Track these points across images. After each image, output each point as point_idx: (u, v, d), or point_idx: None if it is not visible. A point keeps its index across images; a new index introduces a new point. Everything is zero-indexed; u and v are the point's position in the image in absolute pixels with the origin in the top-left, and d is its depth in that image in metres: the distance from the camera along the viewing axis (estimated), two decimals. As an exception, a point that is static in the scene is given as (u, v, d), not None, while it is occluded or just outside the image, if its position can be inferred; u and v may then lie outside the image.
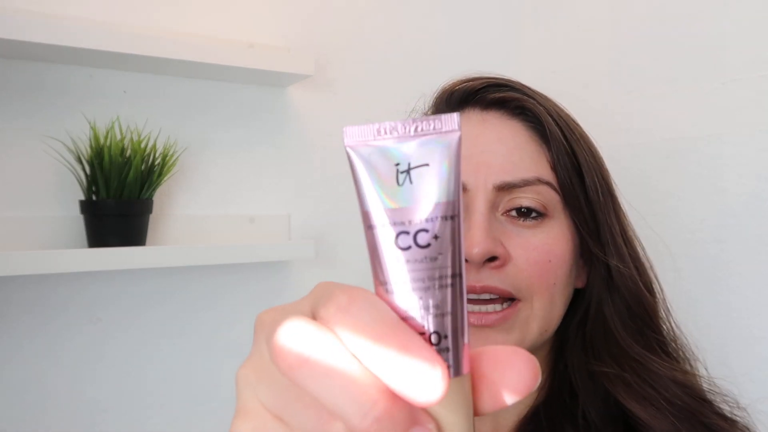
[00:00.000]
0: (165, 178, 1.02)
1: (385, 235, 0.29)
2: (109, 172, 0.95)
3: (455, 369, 0.28)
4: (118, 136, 0.98)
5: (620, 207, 0.63)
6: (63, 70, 1.00)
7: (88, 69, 1.02)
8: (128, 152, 0.97)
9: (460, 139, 0.30)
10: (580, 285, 0.62)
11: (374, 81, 1.29)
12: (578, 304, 0.62)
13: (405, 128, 0.29)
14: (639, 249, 0.64)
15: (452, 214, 0.29)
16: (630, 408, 0.55)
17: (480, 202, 0.56)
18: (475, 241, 0.53)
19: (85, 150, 0.97)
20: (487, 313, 0.54)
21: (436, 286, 0.28)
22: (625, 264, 0.60)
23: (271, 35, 1.18)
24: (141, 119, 1.03)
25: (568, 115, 0.62)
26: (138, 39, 0.96)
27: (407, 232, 0.29)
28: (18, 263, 0.87)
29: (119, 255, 0.94)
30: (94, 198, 0.96)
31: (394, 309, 0.28)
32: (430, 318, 0.28)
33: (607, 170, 0.63)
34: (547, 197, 0.57)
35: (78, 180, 0.97)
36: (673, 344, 0.63)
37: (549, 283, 0.56)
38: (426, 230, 0.29)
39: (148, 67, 1.03)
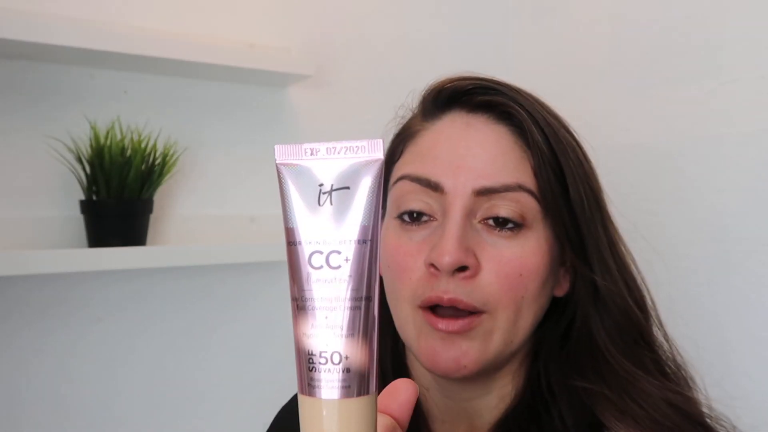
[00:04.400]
0: (165, 178, 1.02)
1: (301, 252, 0.30)
2: (109, 172, 0.95)
3: (357, 389, 0.29)
4: (119, 136, 0.98)
5: (609, 219, 0.61)
6: (64, 70, 1.00)
7: (88, 69, 1.02)
8: (129, 152, 0.98)
9: (382, 165, 0.30)
10: (560, 294, 0.61)
11: (374, 81, 1.28)
12: (561, 315, 0.61)
13: (331, 150, 0.30)
14: (630, 263, 0.62)
15: (367, 239, 0.30)
16: (606, 422, 0.54)
17: (457, 207, 0.55)
18: (447, 250, 0.53)
19: (86, 150, 0.97)
20: (455, 318, 0.54)
21: (344, 308, 0.29)
22: (613, 279, 0.58)
23: (271, 35, 1.18)
24: (141, 119, 1.03)
25: (558, 123, 0.60)
26: (138, 39, 0.96)
27: (321, 252, 0.30)
28: (18, 263, 0.87)
29: (120, 255, 0.94)
30: (94, 198, 0.96)
31: (302, 325, 0.30)
32: (334, 338, 0.29)
33: (597, 181, 0.61)
34: (527, 206, 0.56)
35: (78, 180, 0.97)
36: (671, 364, 0.61)
37: (516, 297, 0.55)
38: (338, 252, 0.30)
39: (149, 67, 1.03)
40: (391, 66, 1.30)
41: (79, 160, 0.96)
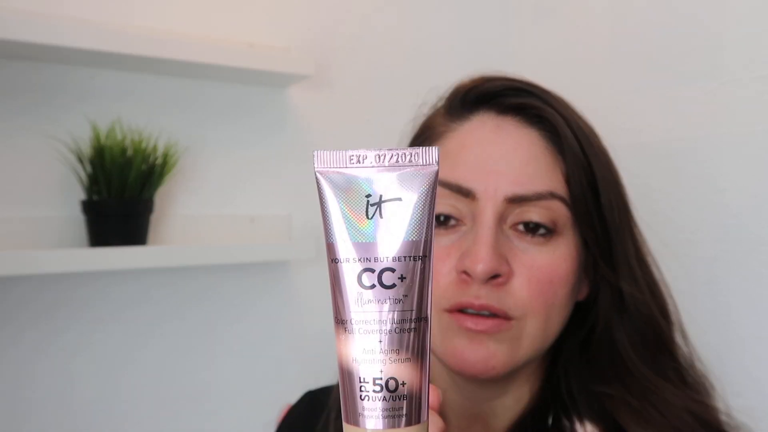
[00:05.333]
0: (166, 178, 1.02)
1: (349, 271, 0.28)
2: (110, 172, 0.95)
3: (409, 418, 0.27)
4: (119, 136, 0.98)
5: (636, 225, 0.61)
6: (64, 70, 1.00)
7: (89, 69, 1.02)
8: (129, 152, 0.98)
9: (437, 175, 0.28)
10: (580, 298, 0.60)
11: (374, 81, 1.29)
12: (581, 319, 0.60)
13: (380, 158, 0.28)
14: (654, 271, 0.61)
15: (422, 255, 0.28)
16: (627, 428, 0.53)
17: (489, 213, 0.53)
18: (481, 258, 0.52)
19: (87, 150, 0.97)
20: (485, 318, 0.53)
21: (398, 330, 0.27)
22: (638, 287, 0.57)
23: (271, 35, 1.18)
24: (142, 119, 1.04)
25: (588, 127, 0.59)
26: (139, 39, 0.96)
27: (372, 270, 0.28)
28: (19, 263, 0.87)
29: (120, 255, 0.94)
30: (95, 198, 0.96)
31: (351, 350, 0.27)
32: (389, 363, 0.27)
33: (623, 187, 0.60)
34: (558, 213, 0.55)
35: (79, 180, 0.97)
36: (692, 372, 0.60)
37: (547, 304, 0.54)
38: (392, 269, 0.27)
39: (149, 67, 1.03)
40: (392, 66, 1.30)
41: (80, 161, 0.96)
